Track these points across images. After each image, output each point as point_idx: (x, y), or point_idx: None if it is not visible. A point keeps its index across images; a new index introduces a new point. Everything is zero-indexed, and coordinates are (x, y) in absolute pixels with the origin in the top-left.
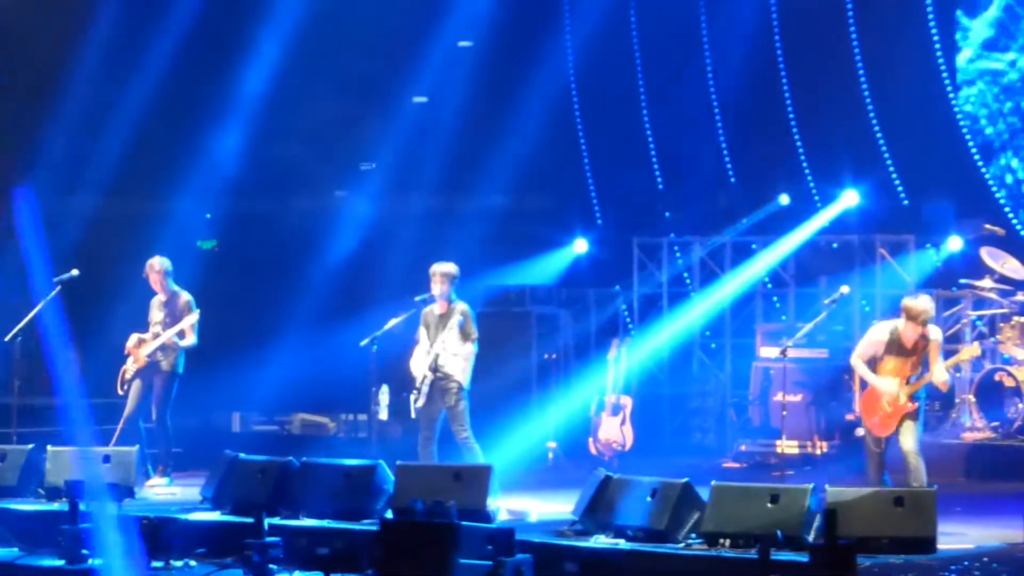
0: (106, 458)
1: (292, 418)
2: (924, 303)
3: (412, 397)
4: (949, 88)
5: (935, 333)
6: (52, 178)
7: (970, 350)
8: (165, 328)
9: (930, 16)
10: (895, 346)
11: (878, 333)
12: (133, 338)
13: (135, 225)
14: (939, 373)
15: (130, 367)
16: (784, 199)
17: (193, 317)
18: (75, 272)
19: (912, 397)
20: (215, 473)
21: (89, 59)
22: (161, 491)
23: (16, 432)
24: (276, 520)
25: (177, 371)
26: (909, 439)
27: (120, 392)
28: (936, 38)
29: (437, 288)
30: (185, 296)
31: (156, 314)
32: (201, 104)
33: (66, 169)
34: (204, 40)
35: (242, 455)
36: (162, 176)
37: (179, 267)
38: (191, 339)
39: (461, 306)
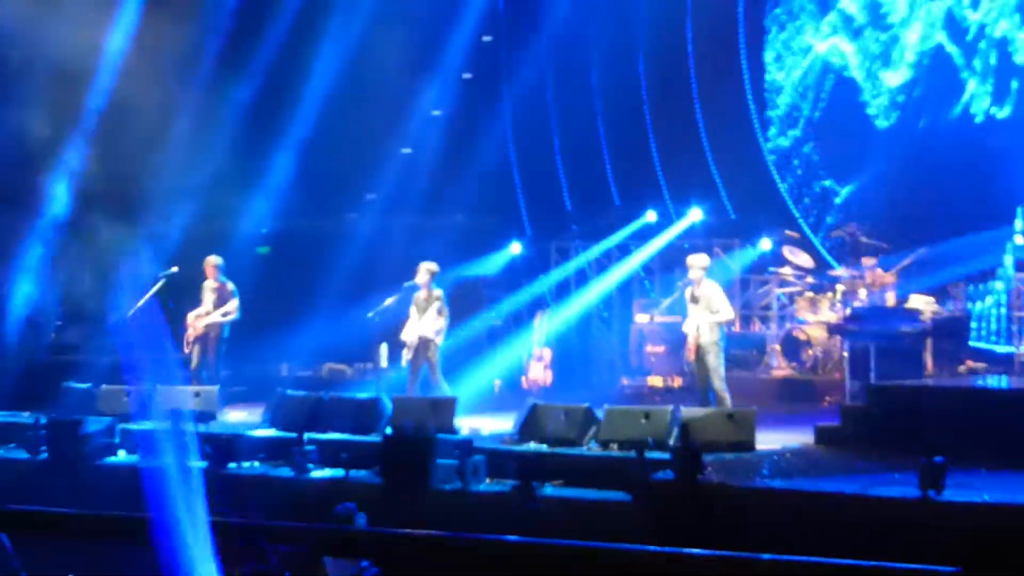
0: (195, 394)
1: (322, 366)
2: (692, 257)
3: (404, 353)
4: (759, 131)
5: (709, 286)
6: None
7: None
8: (216, 307)
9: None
10: (690, 296)
11: (685, 291)
12: (191, 315)
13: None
14: (712, 314)
15: (191, 335)
16: (651, 216)
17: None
18: (175, 269)
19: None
20: (271, 403)
21: None
22: (234, 416)
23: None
24: (312, 434)
25: (225, 336)
26: (715, 379)
27: (185, 352)
28: (749, 89)
29: (422, 278)
30: (230, 285)
31: (208, 296)
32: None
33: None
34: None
35: (289, 391)
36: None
37: (241, 265)
38: (235, 315)
39: (437, 292)
